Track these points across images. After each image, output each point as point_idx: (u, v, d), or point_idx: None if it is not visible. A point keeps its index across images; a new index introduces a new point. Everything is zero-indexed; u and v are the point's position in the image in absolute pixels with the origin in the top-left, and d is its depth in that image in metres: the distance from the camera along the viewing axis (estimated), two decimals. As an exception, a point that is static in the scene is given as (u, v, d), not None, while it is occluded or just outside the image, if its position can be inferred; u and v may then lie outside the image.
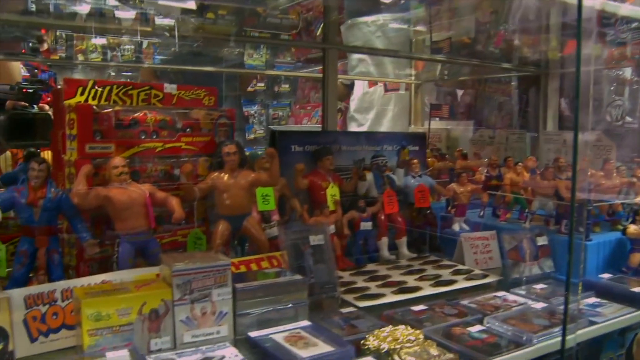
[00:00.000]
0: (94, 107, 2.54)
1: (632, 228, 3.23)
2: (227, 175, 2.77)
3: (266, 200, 2.93)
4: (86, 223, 2.41)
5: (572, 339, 2.41)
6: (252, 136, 8.65)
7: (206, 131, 2.90)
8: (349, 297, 2.68)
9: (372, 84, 6.06)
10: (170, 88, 2.89)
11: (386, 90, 5.97)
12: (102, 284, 2.17)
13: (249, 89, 8.84)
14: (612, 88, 4.37)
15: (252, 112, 8.90)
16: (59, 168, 2.60)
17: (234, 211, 2.78)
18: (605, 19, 3.97)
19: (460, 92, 5.99)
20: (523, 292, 2.90)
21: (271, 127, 8.61)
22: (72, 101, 2.56)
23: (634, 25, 4.02)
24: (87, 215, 2.44)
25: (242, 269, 2.59)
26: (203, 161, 2.85)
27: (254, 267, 2.65)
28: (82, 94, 2.61)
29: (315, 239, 2.66)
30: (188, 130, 2.83)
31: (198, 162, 2.83)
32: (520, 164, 3.88)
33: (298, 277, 2.40)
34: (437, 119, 5.25)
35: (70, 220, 2.38)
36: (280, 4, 4.01)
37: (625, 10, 2.97)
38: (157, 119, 2.72)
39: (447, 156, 4.65)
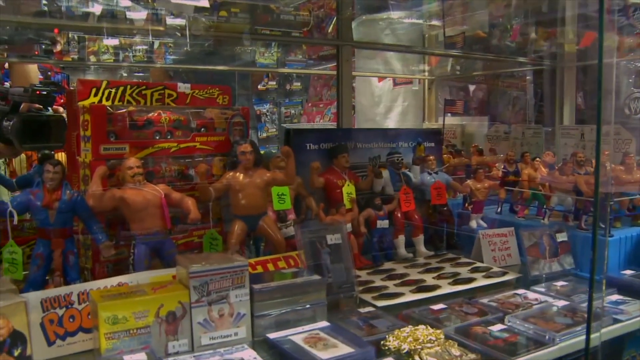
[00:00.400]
0: (108, 107, 2.52)
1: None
2: (242, 174, 2.74)
3: (282, 200, 2.90)
4: (102, 224, 2.39)
5: (596, 337, 2.37)
6: (264, 135, 8.65)
7: (220, 130, 2.87)
8: (367, 297, 2.65)
9: (382, 79, 6.01)
10: (184, 87, 2.87)
11: (395, 85, 5.91)
12: (118, 287, 2.16)
13: (260, 87, 8.84)
14: (630, 80, 4.31)
15: (264, 110, 8.90)
16: (73, 170, 2.59)
17: (250, 211, 2.76)
18: (620, 9, 3.90)
19: (473, 87, 5.93)
20: (543, 290, 2.85)
21: (284, 125, 8.61)
22: (86, 102, 2.55)
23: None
24: (102, 217, 2.43)
25: (259, 269, 2.57)
26: (218, 161, 2.83)
27: (270, 267, 2.63)
28: (95, 94, 2.60)
29: (332, 238, 2.63)
30: (202, 129, 2.81)
31: (213, 162, 2.81)
32: (537, 159, 3.83)
33: (316, 277, 2.37)
34: (449, 114, 5.20)
35: (86, 222, 2.36)
36: (292, 1, 3.98)
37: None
38: (171, 119, 2.70)
39: (462, 152, 4.60)
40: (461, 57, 5.44)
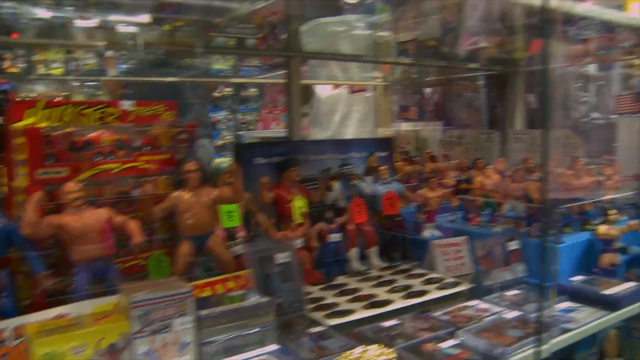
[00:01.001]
0: (45, 129, 2.43)
1: (602, 228, 3.21)
2: (188, 193, 2.68)
3: (230, 217, 2.85)
4: (40, 253, 2.30)
5: (546, 349, 2.38)
6: (220, 142, 8.54)
7: (166, 148, 2.80)
8: (319, 315, 2.60)
9: (337, 86, 5.98)
10: (127, 105, 2.79)
11: (352, 92, 5.88)
12: (57, 319, 2.07)
13: (216, 94, 8.75)
14: (577, 85, 4.37)
15: (220, 117, 8.80)
16: (12, 194, 2.48)
17: (197, 231, 2.70)
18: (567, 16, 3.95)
19: (428, 92, 5.93)
20: (496, 300, 2.86)
21: (239, 133, 8.54)
22: (22, 124, 2.45)
23: (597, 21, 4.00)
24: (42, 244, 2.34)
25: (207, 292, 2.50)
26: (163, 180, 2.76)
27: (219, 288, 2.55)
28: (33, 115, 2.50)
29: (281, 257, 2.59)
30: (147, 148, 2.74)
31: (158, 182, 2.74)
32: (490, 166, 3.84)
33: (264, 299, 2.32)
34: (403, 120, 5.20)
35: (23, 251, 2.27)
36: (240, 14, 3.93)
37: (584, 9, 2.96)
38: (113, 139, 2.63)
39: (417, 158, 4.59)
40: (412, 65, 5.44)
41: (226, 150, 8.43)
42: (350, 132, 5.78)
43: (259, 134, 7.99)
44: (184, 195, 2.68)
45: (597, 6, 3.03)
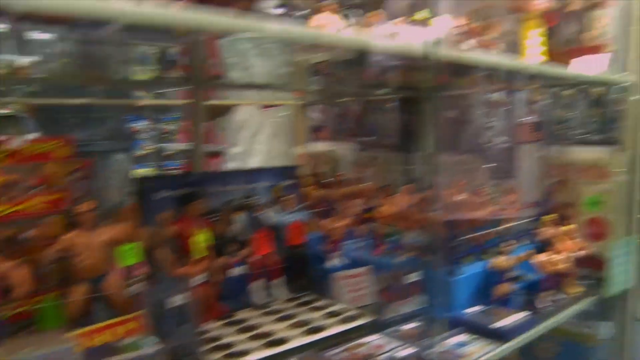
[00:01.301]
0: None
1: (497, 260, 3.33)
2: (82, 234, 2.63)
3: (128, 255, 2.80)
4: None
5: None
6: (141, 153, 8.42)
7: (60, 187, 2.74)
8: (215, 357, 2.59)
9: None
10: (18, 142, 2.72)
11: (264, 107, 5.86)
12: None
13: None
14: (483, 111, 4.49)
15: (141, 127, 8.68)
16: None
17: (92, 273, 2.65)
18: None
19: (343, 112, 5.96)
20: (394, 335, 2.92)
21: (161, 144, 8.45)
22: None
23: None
24: None
25: (101, 339, 2.45)
26: (56, 221, 2.69)
27: (114, 333, 2.51)
28: None
29: (177, 298, 2.57)
30: (39, 188, 2.67)
31: (50, 223, 2.67)
32: (396, 193, 3.92)
33: (154, 347, 2.31)
34: (317, 140, 5.22)
35: None
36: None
37: (475, 57, 3.06)
38: (1, 180, 2.55)
39: (332, 180, 4.63)
40: (322, 90, 5.47)
41: (147, 161, 8.33)
42: (261, 149, 5.76)
43: (179, 146, 7.92)
44: (79, 237, 2.63)
45: (489, 52, 3.12)
